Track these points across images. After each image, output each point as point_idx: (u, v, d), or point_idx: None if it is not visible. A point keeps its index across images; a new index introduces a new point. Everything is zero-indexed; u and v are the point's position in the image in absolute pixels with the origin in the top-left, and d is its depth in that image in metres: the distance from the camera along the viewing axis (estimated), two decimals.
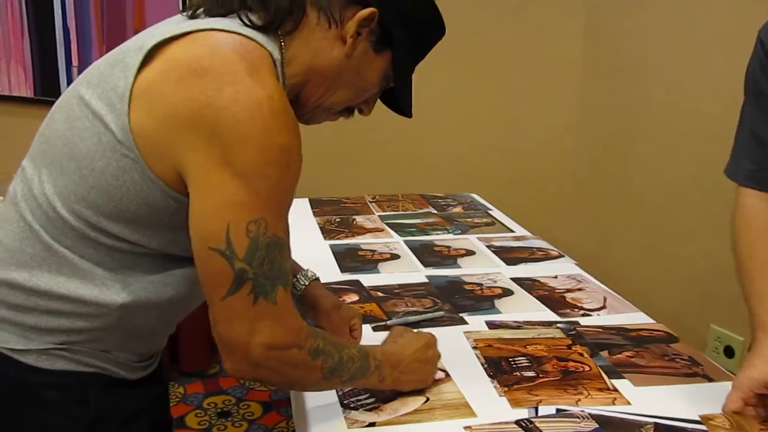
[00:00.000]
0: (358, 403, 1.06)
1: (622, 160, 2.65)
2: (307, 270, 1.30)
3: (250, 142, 0.79)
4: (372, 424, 1.01)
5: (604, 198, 2.75)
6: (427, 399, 1.08)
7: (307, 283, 1.28)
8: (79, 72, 4.04)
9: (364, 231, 1.95)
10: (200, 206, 0.83)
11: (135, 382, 1.00)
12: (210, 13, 0.89)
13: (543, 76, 2.83)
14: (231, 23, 0.86)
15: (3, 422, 0.94)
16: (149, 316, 0.95)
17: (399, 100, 1.02)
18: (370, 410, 1.04)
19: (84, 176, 0.86)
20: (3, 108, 4.01)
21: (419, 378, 1.10)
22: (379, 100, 1.07)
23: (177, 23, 0.88)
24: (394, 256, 1.74)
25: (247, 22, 0.87)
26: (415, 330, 1.17)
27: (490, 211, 2.22)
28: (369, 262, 1.70)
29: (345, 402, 1.06)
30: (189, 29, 0.85)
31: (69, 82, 3.77)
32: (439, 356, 1.13)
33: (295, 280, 1.27)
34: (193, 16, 0.90)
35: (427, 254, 1.76)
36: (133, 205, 0.86)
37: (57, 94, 3.77)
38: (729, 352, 2.20)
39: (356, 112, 1.05)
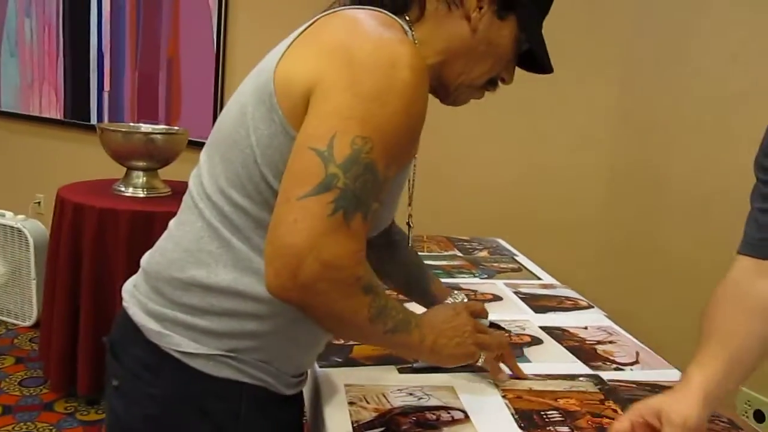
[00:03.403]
0: None
1: (652, 215, 2.61)
2: (458, 293, 1.32)
3: (376, 71, 0.82)
4: None
5: (633, 251, 2.71)
6: None
7: None
8: (111, 97, 4.10)
9: None
10: (312, 114, 0.83)
11: (284, 399, 1.01)
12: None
13: (576, 125, 2.82)
14: (362, 7, 0.94)
15: (162, 425, 0.96)
16: None
17: (536, 58, 1.04)
18: None
19: (246, 156, 0.89)
20: (32, 129, 4.06)
21: (458, 347, 1.08)
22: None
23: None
24: None
25: (377, 8, 0.94)
26: None
27: (516, 257, 2.18)
28: None
29: None
30: (324, 14, 0.94)
31: (99, 106, 3.82)
32: (473, 325, 1.12)
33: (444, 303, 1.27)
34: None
35: None
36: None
37: (87, 117, 3.81)
38: (759, 416, 2.13)
39: (499, 83, 1.08)
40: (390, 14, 0.95)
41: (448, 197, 2.93)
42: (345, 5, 1.00)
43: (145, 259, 1.04)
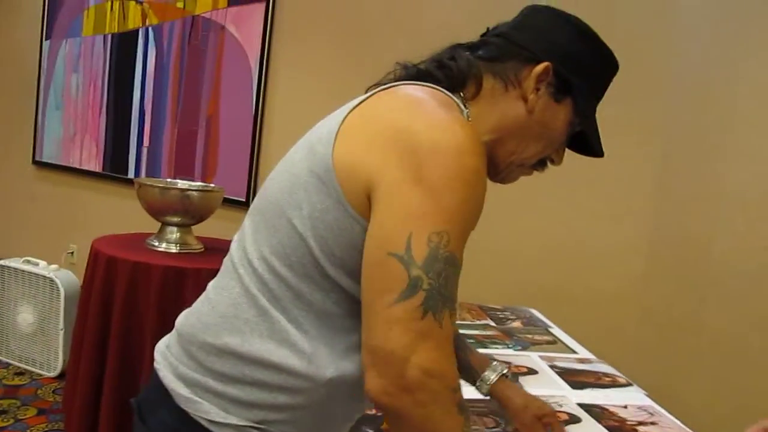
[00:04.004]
0: None
1: (694, 290, 2.54)
2: (497, 364, 1.28)
3: (442, 159, 0.81)
4: None
5: (674, 328, 2.62)
6: None
7: (495, 379, 1.26)
8: (149, 152, 4.16)
9: None
10: (383, 215, 0.82)
11: None
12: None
13: (614, 196, 2.78)
14: (419, 84, 0.95)
15: None
16: (351, 396, 0.93)
17: (589, 142, 1.04)
18: None
19: (293, 227, 0.89)
20: (71, 180, 4.13)
21: None
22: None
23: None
24: None
25: (434, 85, 0.94)
26: None
27: (550, 329, 2.12)
28: None
29: None
30: (380, 89, 0.93)
31: (138, 161, 3.88)
32: None
33: (484, 374, 1.27)
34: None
35: None
36: (337, 247, 0.87)
37: (125, 171, 3.88)
38: None
39: (548, 163, 1.08)
40: (445, 92, 0.94)
41: (480, 265, 2.88)
42: (399, 78, 0.99)
43: (180, 321, 1.02)
